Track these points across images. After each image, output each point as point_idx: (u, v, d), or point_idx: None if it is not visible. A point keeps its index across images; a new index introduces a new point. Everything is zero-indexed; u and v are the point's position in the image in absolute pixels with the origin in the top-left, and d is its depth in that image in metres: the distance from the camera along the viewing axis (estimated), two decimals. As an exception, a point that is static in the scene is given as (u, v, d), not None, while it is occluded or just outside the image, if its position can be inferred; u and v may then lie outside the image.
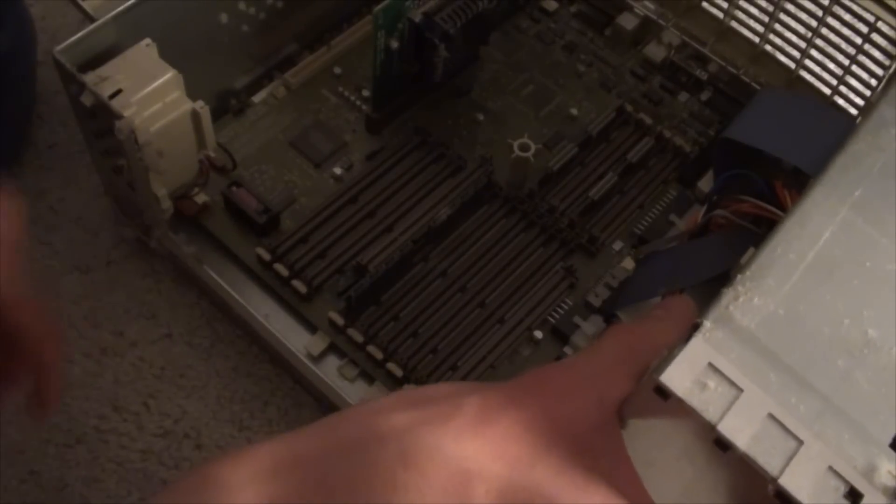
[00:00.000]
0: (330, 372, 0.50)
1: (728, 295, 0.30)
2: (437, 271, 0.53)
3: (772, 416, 0.27)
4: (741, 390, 0.28)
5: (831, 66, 0.57)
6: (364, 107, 0.59)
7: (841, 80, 0.57)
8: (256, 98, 0.59)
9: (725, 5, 0.61)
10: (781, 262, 0.31)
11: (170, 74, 0.46)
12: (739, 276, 0.31)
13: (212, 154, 0.51)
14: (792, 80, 0.60)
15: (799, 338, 0.29)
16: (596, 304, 0.52)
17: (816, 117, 0.47)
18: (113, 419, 0.50)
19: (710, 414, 0.27)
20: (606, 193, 0.56)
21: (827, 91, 0.58)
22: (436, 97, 0.60)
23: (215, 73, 0.56)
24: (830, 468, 0.27)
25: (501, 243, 0.54)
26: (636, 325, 0.34)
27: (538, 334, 0.51)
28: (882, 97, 0.38)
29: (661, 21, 0.63)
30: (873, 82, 0.55)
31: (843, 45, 0.55)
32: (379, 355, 0.50)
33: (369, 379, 0.50)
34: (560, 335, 0.52)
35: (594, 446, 0.30)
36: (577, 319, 0.52)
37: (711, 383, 0.28)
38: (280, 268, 0.52)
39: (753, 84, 0.60)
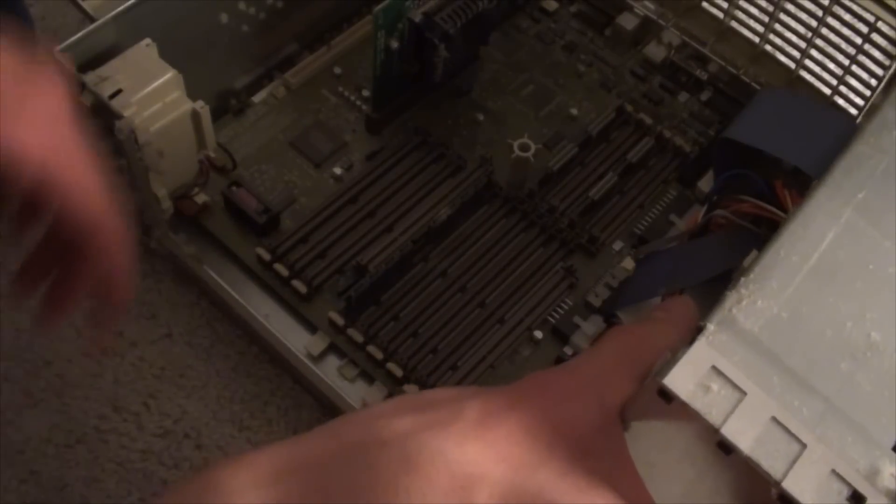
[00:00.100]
0: (330, 372, 0.50)
1: (731, 297, 0.30)
2: (437, 271, 0.53)
3: (775, 419, 0.27)
4: (744, 393, 0.27)
5: (831, 66, 0.57)
6: (364, 107, 0.59)
7: (841, 80, 0.57)
8: (256, 98, 0.59)
9: (725, 5, 0.61)
10: (784, 265, 0.31)
11: (170, 74, 0.46)
12: (742, 279, 0.31)
13: (212, 154, 0.51)
14: (792, 80, 0.60)
15: (802, 340, 0.29)
16: (596, 304, 0.52)
17: (816, 117, 0.47)
18: (113, 419, 0.50)
19: (713, 417, 0.27)
20: (606, 193, 0.56)
21: (827, 91, 0.58)
22: (436, 97, 0.60)
23: (215, 73, 0.56)
24: (833, 471, 0.27)
25: (501, 243, 0.54)
26: (636, 327, 0.34)
27: (538, 334, 0.51)
28: (885, 99, 0.37)
29: (661, 21, 0.63)
30: (873, 82, 0.55)
31: (843, 45, 0.55)
32: (379, 355, 0.50)
33: (369, 379, 0.50)
34: (560, 335, 0.52)
35: (596, 448, 0.30)
36: (577, 319, 0.52)
37: (715, 386, 0.27)
38: (280, 268, 0.52)
39: (753, 84, 0.60)
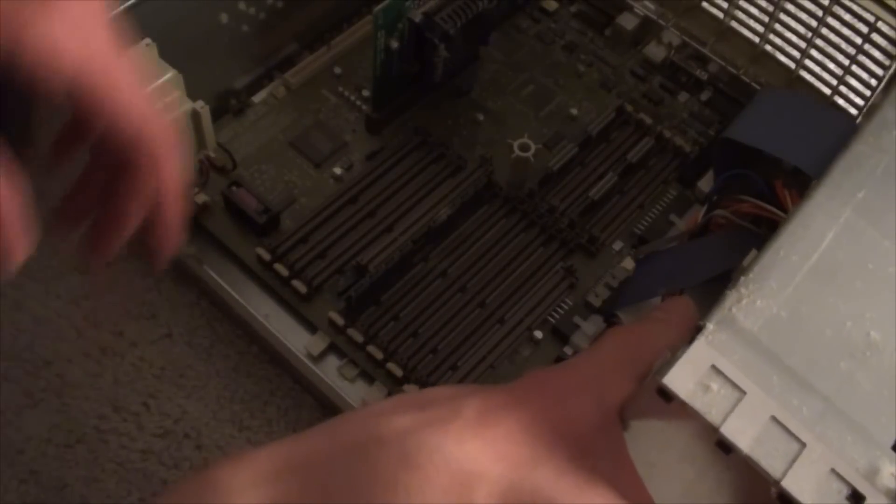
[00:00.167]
0: (330, 372, 0.50)
1: (731, 297, 0.30)
2: (437, 271, 0.53)
3: (774, 419, 0.27)
4: (744, 392, 0.28)
5: (831, 66, 0.57)
6: (364, 107, 0.59)
7: (841, 80, 0.57)
8: (256, 98, 0.59)
9: (725, 5, 0.61)
10: (784, 265, 0.31)
11: (170, 74, 0.46)
12: (742, 279, 0.31)
13: (212, 154, 0.51)
14: (792, 80, 0.60)
15: (801, 340, 0.29)
16: (596, 304, 0.52)
17: (816, 117, 0.47)
18: (113, 419, 0.50)
19: (712, 416, 0.27)
20: (606, 193, 0.56)
21: (827, 91, 0.58)
22: (436, 97, 0.60)
23: (215, 73, 0.56)
24: (833, 470, 0.27)
25: (501, 243, 0.54)
26: (636, 327, 0.34)
27: (538, 334, 0.51)
28: (885, 98, 0.37)
29: (661, 21, 0.63)
30: (873, 82, 0.55)
31: (843, 45, 0.55)
32: (379, 355, 0.50)
33: (369, 379, 0.50)
34: (560, 335, 0.52)
35: (595, 447, 0.30)
36: (577, 319, 0.52)
37: (714, 385, 0.28)
38: (280, 268, 0.52)
39: (753, 84, 0.60)
